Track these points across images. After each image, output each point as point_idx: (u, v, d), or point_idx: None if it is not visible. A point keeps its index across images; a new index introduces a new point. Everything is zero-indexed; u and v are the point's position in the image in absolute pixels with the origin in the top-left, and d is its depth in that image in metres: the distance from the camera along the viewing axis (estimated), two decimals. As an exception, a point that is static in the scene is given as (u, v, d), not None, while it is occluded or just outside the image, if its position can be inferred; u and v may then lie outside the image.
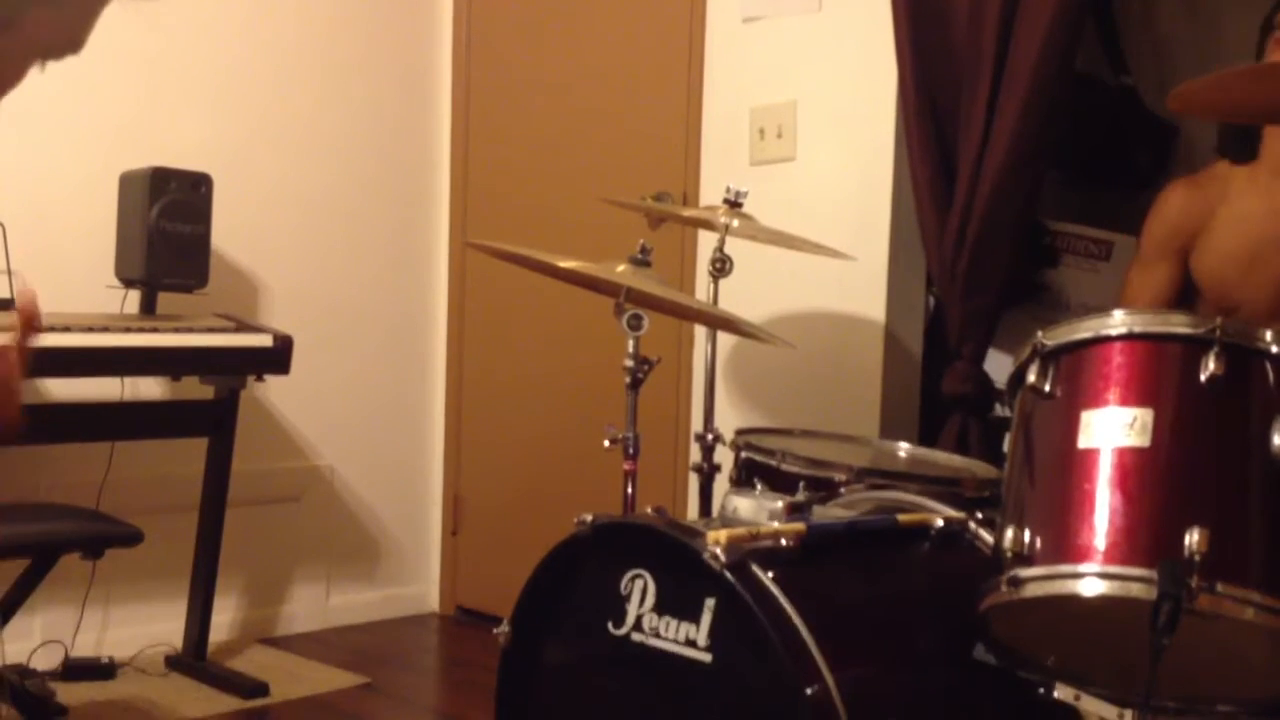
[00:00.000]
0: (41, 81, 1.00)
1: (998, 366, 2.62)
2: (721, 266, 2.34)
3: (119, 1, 0.94)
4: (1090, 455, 1.44)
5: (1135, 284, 2.42)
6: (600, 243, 2.63)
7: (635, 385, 2.16)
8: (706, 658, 1.52)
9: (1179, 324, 1.48)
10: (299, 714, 2.84)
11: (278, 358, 2.90)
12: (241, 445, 3.02)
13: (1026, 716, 1.64)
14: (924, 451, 2.34)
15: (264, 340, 2.90)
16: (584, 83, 3.40)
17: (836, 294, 2.85)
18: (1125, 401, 1.45)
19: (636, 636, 1.60)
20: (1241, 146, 2.28)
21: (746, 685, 1.50)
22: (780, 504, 1.69)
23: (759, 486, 1.83)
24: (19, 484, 2.80)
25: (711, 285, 2.39)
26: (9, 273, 2.71)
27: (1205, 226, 2.30)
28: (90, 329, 2.63)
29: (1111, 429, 1.44)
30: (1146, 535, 1.39)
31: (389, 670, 3.19)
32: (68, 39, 0.93)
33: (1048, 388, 1.52)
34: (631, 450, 2.16)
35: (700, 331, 2.93)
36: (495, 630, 1.74)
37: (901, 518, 1.77)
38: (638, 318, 2.05)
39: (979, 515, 1.77)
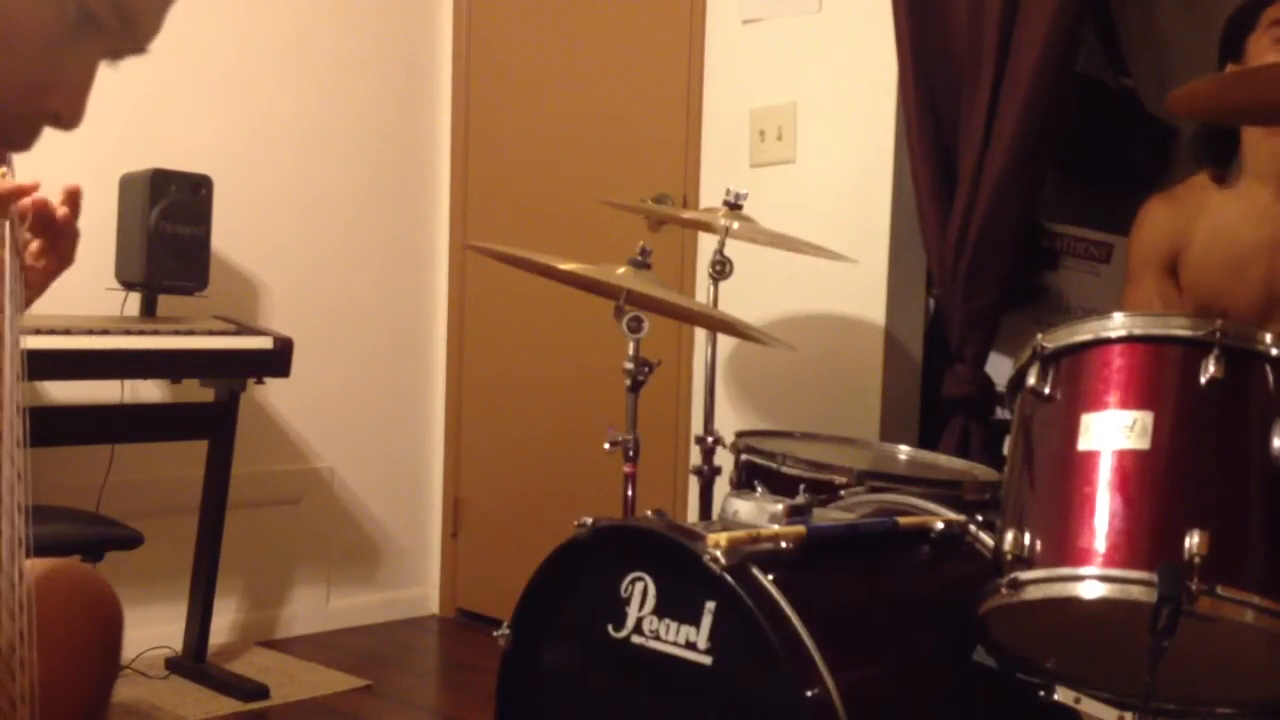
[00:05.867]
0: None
1: (998, 369, 2.62)
2: (721, 269, 2.33)
3: None
4: (1090, 458, 1.44)
5: (1126, 303, 2.43)
6: (600, 245, 2.63)
7: (635, 388, 2.15)
8: (707, 660, 1.52)
9: (1178, 327, 1.48)
10: (299, 716, 2.83)
11: (278, 360, 2.89)
12: (241, 448, 3.01)
13: (1027, 719, 1.64)
14: (924, 454, 2.34)
15: (264, 343, 2.90)
16: (584, 84, 3.40)
17: (837, 296, 2.85)
18: (1125, 404, 1.45)
19: (636, 639, 1.60)
20: (1226, 163, 2.27)
21: (747, 688, 1.50)
22: (780, 507, 1.69)
23: (759, 489, 1.83)
24: (19, 486, 2.80)
25: (711, 287, 2.39)
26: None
27: (1187, 239, 2.31)
28: (90, 331, 2.63)
29: (1111, 431, 1.44)
30: (1146, 538, 1.39)
31: (389, 673, 3.19)
32: (132, 44, 0.94)
33: (1047, 390, 1.52)
34: (631, 453, 2.16)
35: (700, 334, 2.93)
36: (495, 633, 1.74)
37: (902, 521, 1.77)
38: (638, 320, 2.05)
39: (979, 518, 1.77)
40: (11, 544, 0.78)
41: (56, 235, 1.17)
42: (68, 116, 0.93)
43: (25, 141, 0.97)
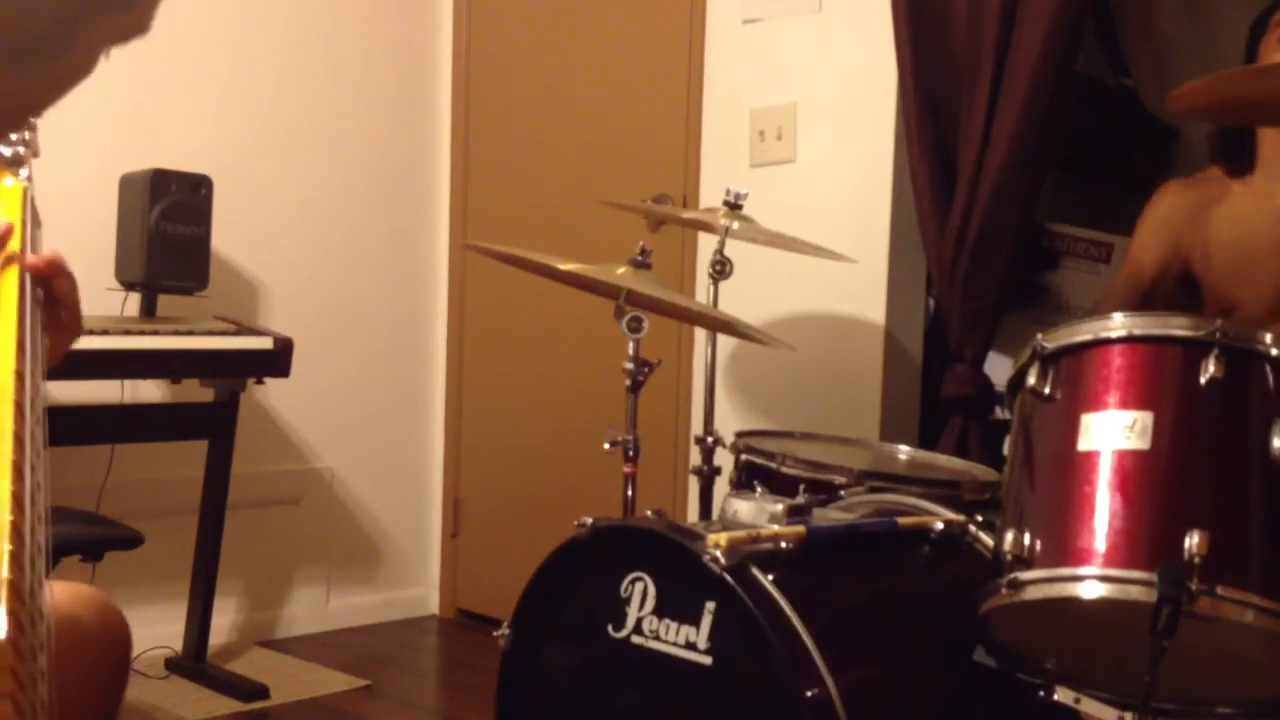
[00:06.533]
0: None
1: (998, 369, 2.62)
2: (721, 269, 2.33)
3: None
4: (1090, 458, 1.44)
5: (1120, 270, 2.42)
6: (600, 245, 2.63)
7: (635, 388, 2.16)
8: (707, 660, 1.52)
9: (1179, 327, 1.48)
10: (299, 716, 2.83)
11: (278, 360, 2.89)
12: (241, 448, 3.01)
13: (1026, 719, 1.64)
14: (924, 454, 2.34)
15: (264, 343, 2.90)
16: (584, 84, 3.40)
17: (836, 296, 2.85)
18: (1125, 404, 1.45)
19: (636, 639, 1.60)
20: (1239, 158, 2.28)
21: (746, 688, 1.50)
22: (780, 507, 1.69)
23: (759, 489, 1.84)
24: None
25: (711, 287, 2.39)
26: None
27: (1200, 228, 2.31)
28: (90, 331, 2.60)
29: (1111, 432, 1.44)
30: (1146, 538, 1.39)
31: (389, 673, 3.19)
32: (135, 26, 0.94)
33: (1047, 390, 1.52)
34: (631, 453, 2.16)
35: (700, 334, 2.93)
36: (495, 633, 1.74)
37: (901, 521, 1.77)
38: (638, 320, 2.05)
39: (979, 518, 1.77)
40: (32, 553, 0.79)
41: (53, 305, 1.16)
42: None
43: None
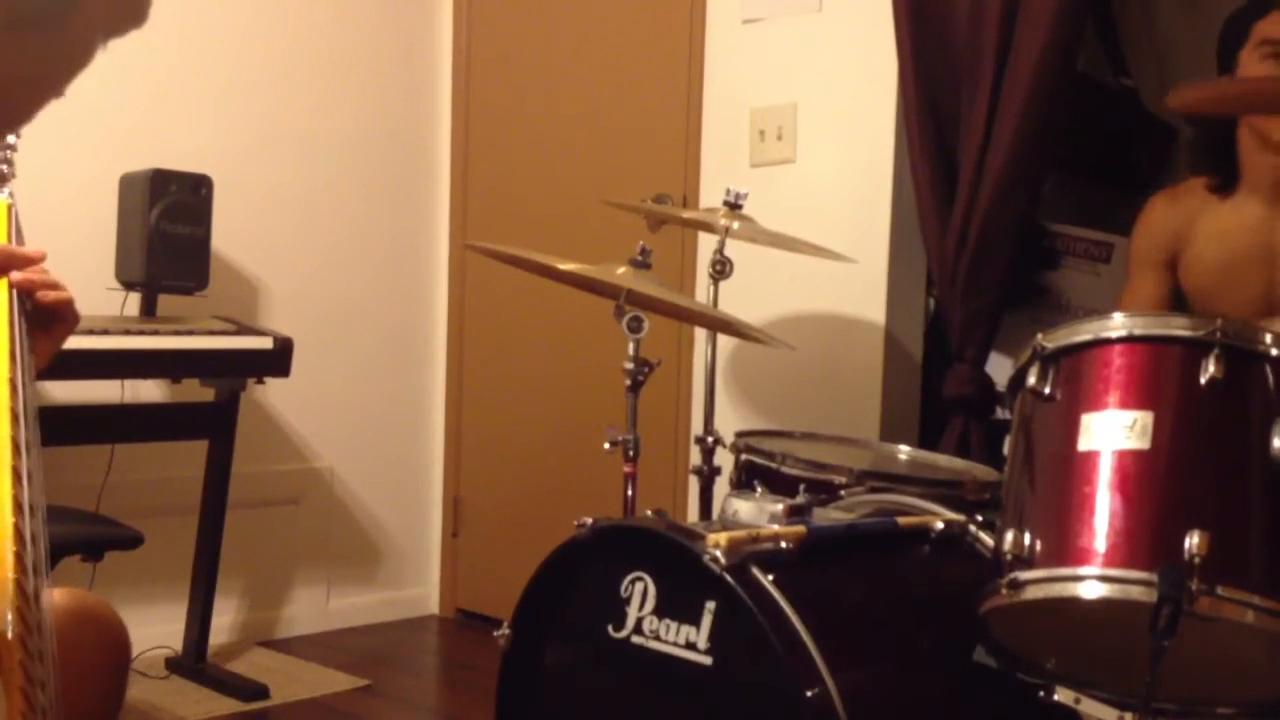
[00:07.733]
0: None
1: (998, 369, 2.62)
2: (721, 269, 2.34)
3: None
4: (1090, 458, 1.44)
5: (1124, 299, 2.44)
6: (600, 245, 2.63)
7: (635, 387, 2.16)
8: (707, 660, 1.52)
9: (1179, 326, 1.48)
10: (299, 716, 2.83)
11: (278, 360, 2.90)
12: (241, 447, 3.01)
13: (1026, 719, 1.64)
14: (924, 454, 2.34)
15: (264, 343, 2.90)
16: (584, 83, 3.40)
17: (837, 296, 2.85)
18: (1125, 404, 1.45)
19: (637, 639, 1.60)
20: (1222, 175, 2.28)
21: (747, 688, 1.50)
22: (780, 507, 1.69)
23: (759, 489, 1.83)
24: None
25: (711, 287, 2.39)
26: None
27: (1186, 240, 2.32)
28: (90, 331, 2.63)
29: (1111, 431, 1.44)
30: (1146, 538, 1.39)
31: (389, 673, 3.19)
32: (131, 12, 0.94)
33: (1048, 390, 1.52)
34: (631, 453, 2.16)
35: (700, 334, 2.93)
36: (495, 633, 1.74)
37: (902, 520, 1.77)
38: (638, 320, 2.05)
39: (979, 518, 1.77)
40: (34, 555, 0.80)
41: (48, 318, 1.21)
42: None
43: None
